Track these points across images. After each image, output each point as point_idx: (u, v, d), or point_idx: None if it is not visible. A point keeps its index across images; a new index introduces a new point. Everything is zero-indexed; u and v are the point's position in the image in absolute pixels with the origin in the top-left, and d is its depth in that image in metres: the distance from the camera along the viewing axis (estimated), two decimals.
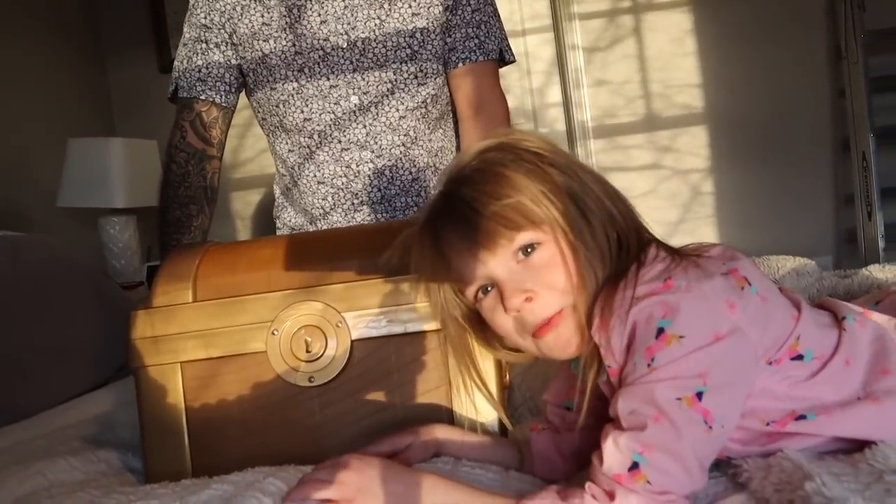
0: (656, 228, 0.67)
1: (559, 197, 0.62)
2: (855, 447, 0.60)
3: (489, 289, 0.64)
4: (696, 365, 0.55)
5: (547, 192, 0.62)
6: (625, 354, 0.59)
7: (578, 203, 0.63)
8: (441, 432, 0.71)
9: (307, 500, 0.58)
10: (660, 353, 0.56)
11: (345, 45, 1.17)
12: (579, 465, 0.69)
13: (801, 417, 0.61)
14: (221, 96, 1.21)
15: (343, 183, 1.21)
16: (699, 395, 0.54)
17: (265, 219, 2.20)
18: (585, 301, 0.61)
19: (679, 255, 0.62)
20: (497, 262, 0.62)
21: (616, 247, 0.63)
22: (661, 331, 0.56)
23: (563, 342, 0.63)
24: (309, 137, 1.21)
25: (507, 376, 0.78)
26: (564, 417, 0.72)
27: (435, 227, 0.65)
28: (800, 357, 0.61)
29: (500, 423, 0.74)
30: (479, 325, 0.69)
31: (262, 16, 1.18)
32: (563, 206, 0.62)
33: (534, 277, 0.62)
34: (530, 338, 0.64)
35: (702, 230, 2.51)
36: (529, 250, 0.62)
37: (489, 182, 0.62)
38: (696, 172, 2.55)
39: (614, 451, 0.55)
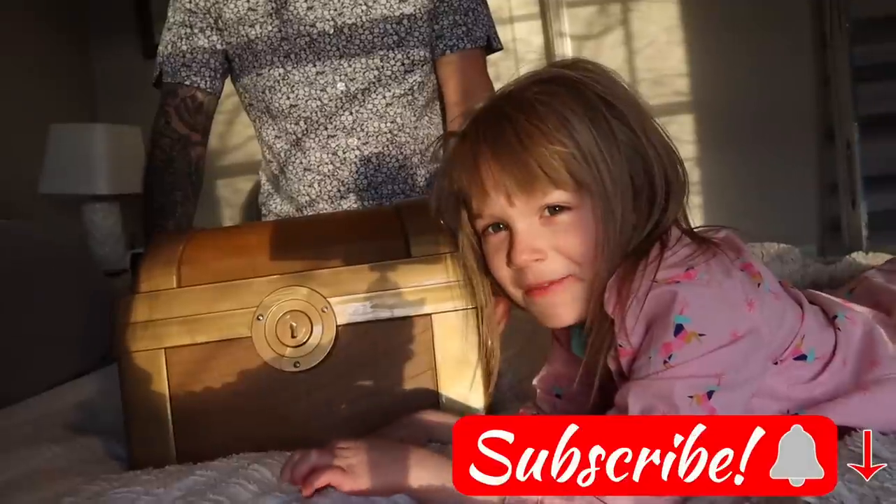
0: None
1: (615, 157, 0.57)
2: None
3: (500, 227, 0.61)
4: (714, 364, 0.54)
5: (604, 150, 0.57)
6: (641, 337, 0.56)
7: (634, 168, 0.59)
8: (430, 417, 0.71)
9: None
10: (678, 351, 0.54)
11: (331, 32, 1.16)
12: None
13: (794, 416, 0.61)
14: (206, 82, 1.20)
15: (329, 170, 1.20)
16: (709, 394, 0.53)
17: (253, 206, 2.19)
18: (598, 275, 0.58)
19: (701, 241, 0.59)
20: (521, 212, 0.59)
21: (653, 224, 0.60)
22: (680, 327, 0.54)
23: (557, 311, 0.61)
24: (295, 124, 1.20)
25: (495, 363, 0.78)
26: (554, 404, 0.72)
27: (475, 143, 0.60)
28: (803, 357, 0.61)
29: (488, 407, 0.74)
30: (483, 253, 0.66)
31: (248, 1, 1.16)
32: (617, 170, 0.58)
33: (550, 238, 0.59)
34: (522, 292, 0.62)
35: (690, 219, 2.51)
36: (557, 209, 0.58)
37: (545, 119, 0.57)
38: (686, 161, 2.56)
39: None
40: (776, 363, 0.60)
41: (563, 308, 0.60)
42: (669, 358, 0.54)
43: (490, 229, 0.62)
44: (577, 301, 0.60)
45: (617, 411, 0.56)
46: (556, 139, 0.56)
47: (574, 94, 0.58)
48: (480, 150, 0.59)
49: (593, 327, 0.61)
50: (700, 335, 0.54)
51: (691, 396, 0.53)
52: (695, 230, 0.62)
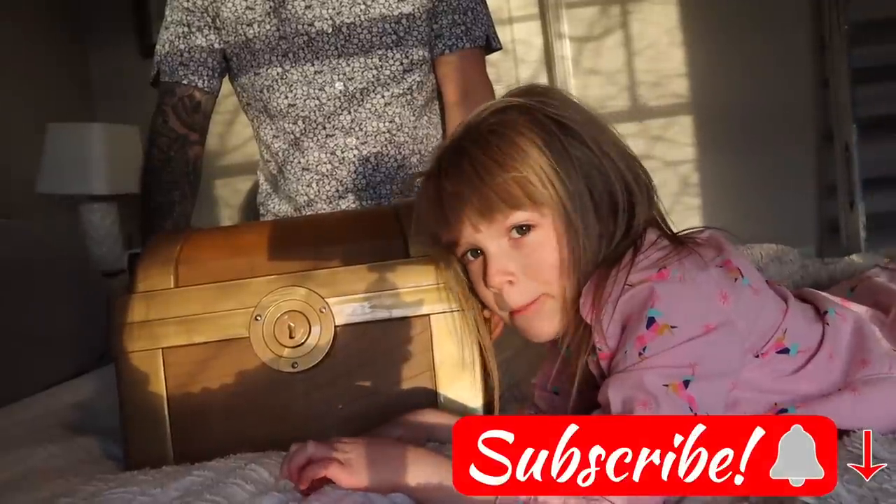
0: None
1: (571, 175, 0.60)
2: None
3: (478, 253, 0.64)
4: (687, 355, 0.55)
5: (558, 170, 0.60)
6: (617, 339, 0.58)
7: (591, 182, 0.61)
8: (429, 417, 0.71)
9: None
10: (651, 343, 0.55)
11: (330, 31, 1.16)
12: None
13: (783, 411, 0.61)
14: (204, 81, 1.19)
15: (328, 170, 1.20)
16: (686, 384, 0.54)
17: (252, 206, 2.19)
18: (571, 287, 0.61)
19: (678, 243, 0.61)
20: (488, 236, 0.62)
21: (622, 230, 0.62)
22: (652, 320, 0.56)
23: (535, 328, 0.64)
24: (293, 123, 1.19)
25: (492, 362, 0.78)
26: (552, 402, 0.73)
27: (438, 180, 0.64)
28: (786, 350, 0.62)
29: (486, 407, 0.74)
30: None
31: None
32: (573, 187, 0.60)
33: (520, 260, 0.62)
34: (507, 314, 0.65)
35: (689, 221, 2.52)
36: (524, 229, 0.61)
37: (500, 149, 0.60)
38: (685, 163, 2.56)
39: None
40: (758, 356, 0.61)
41: (541, 324, 0.63)
42: (644, 350, 0.56)
43: (469, 255, 0.65)
44: (555, 314, 0.63)
45: (601, 410, 0.57)
46: (511, 166, 0.60)
47: (527, 120, 0.61)
48: (442, 187, 0.63)
49: (569, 333, 0.63)
50: (672, 327, 0.56)
51: (667, 385, 0.54)
52: (678, 233, 0.64)
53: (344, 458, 0.56)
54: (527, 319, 0.63)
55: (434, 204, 0.64)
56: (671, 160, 2.57)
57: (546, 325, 0.63)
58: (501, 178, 0.60)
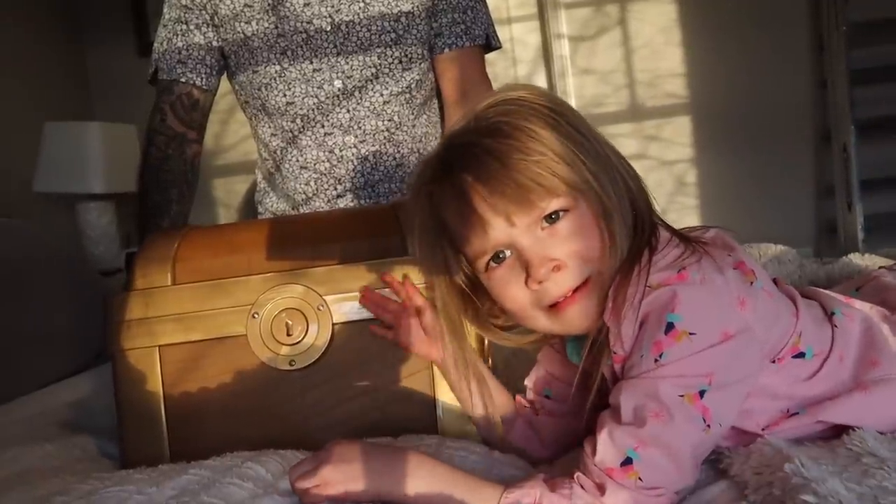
0: None
1: (586, 156, 0.58)
2: (833, 434, 0.60)
3: (501, 257, 0.60)
4: (704, 364, 0.54)
5: (572, 149, 0.57)
6: (632, 340, 0.57)
7: (599, 163, 0.59)
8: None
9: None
10: (669, 350, 0.54)
11: (328, 29, 1.15)
12: (557, 449, 0.69)
13: (794, 414, 0.61)
14: (202, 79, 1.19)
15: (326, 168, 1.19)
16: (701, 394, 0.53)
17: (250, 206, 2.18)
18: (611, 270, 0.58)
19: (689, 241, 0.59)
20: (523, 228, 0.58)
21: (632, 220, 0.59)
22: (671, 326, 0.54)
23: (584, 314, 0.59)
24: (292, 121, 1.19)
25: (490, 360, 0.78)
26: (543, 405, 0.72)
27: (458, 179, 0.58)
28: (801, 354, 0.61)
29: None
30: (472, 301, 0.66)
31: None
32: (591, 165, 0.58)
33: (560, 246, 0.58)
34: (543, 312, 0.60)
35: (686, 220, 2.52)
36: (554, 217, 0.58)
37: (515, 135, 0.57)
38: (681, 163, 2.56)
39: (608, 444, 0.54)
40: (774, 362, 0.60)
41: (585, 312, 0.59)
42: (660, 356, 0.54)
43: (492, 263, 0.60)
44: (596, 303, 0.59)
45: (611, 411, 0.56)
46: (531, 149, 0.57)
47: (524, 108, 0.59)
48: (466, 183, 0.58)
49: (591, 335, 0.60)
50: (691, 334, 0.54)
51: (682, 395, 0.53)
52: (682, 231, 0.62)
53: (321, 480, 0.56)
54: (575, 309, 0.58)
55: (461, 205, 0.58)
56: (667, 160, 2.57)
57: (595, 310, 0.59)
58: (525, 163, 0.56)
